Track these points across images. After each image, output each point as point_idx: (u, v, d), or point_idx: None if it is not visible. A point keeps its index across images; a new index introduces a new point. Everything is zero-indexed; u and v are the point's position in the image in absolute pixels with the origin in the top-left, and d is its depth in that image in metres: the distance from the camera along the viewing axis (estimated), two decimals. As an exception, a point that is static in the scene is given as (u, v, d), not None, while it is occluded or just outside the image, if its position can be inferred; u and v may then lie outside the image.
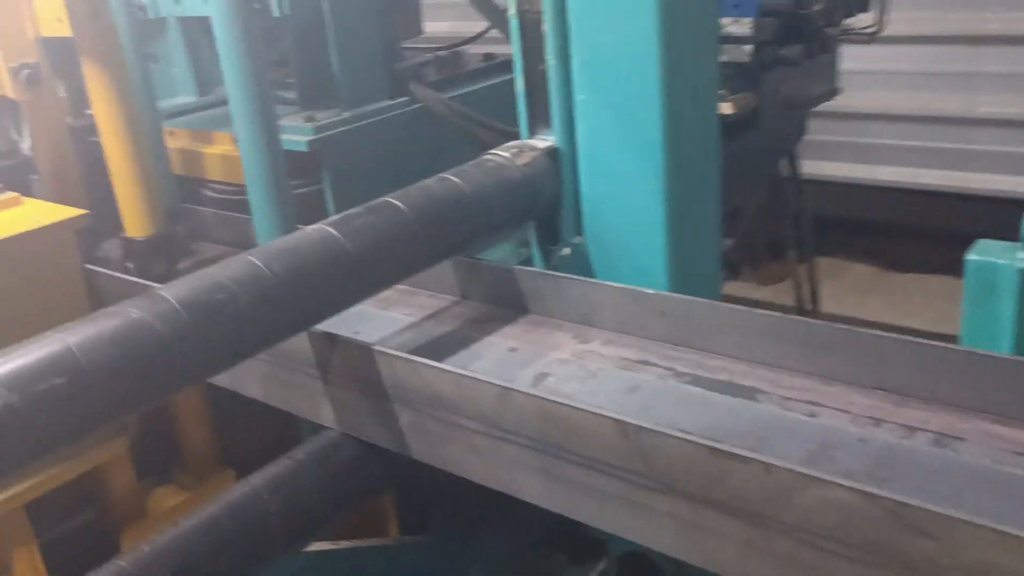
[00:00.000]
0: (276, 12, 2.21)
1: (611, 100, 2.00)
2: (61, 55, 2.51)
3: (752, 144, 3.13)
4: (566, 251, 2.22)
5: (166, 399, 1.45)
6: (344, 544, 2.23)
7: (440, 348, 1.96)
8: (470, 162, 2.06)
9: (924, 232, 5.26)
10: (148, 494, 2.49)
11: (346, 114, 2.59)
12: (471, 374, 1.59)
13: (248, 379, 2.02)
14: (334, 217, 1.78)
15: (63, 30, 2.05)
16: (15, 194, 2.17)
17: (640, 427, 1.37)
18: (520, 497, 1.61)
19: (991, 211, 4.43)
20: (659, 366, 1.82)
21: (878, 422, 1.56)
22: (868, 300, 5.09)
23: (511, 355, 1.92)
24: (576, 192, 2.16)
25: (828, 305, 4.62)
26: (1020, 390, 1.50)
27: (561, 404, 1.46)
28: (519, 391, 1.52)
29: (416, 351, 1.93)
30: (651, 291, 1.88)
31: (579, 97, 2.06)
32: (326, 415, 1.90)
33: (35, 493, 2.07)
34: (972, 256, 1.78)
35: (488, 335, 2.01)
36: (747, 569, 1.33)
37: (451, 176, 1.96)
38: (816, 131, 4.11)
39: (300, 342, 1.82)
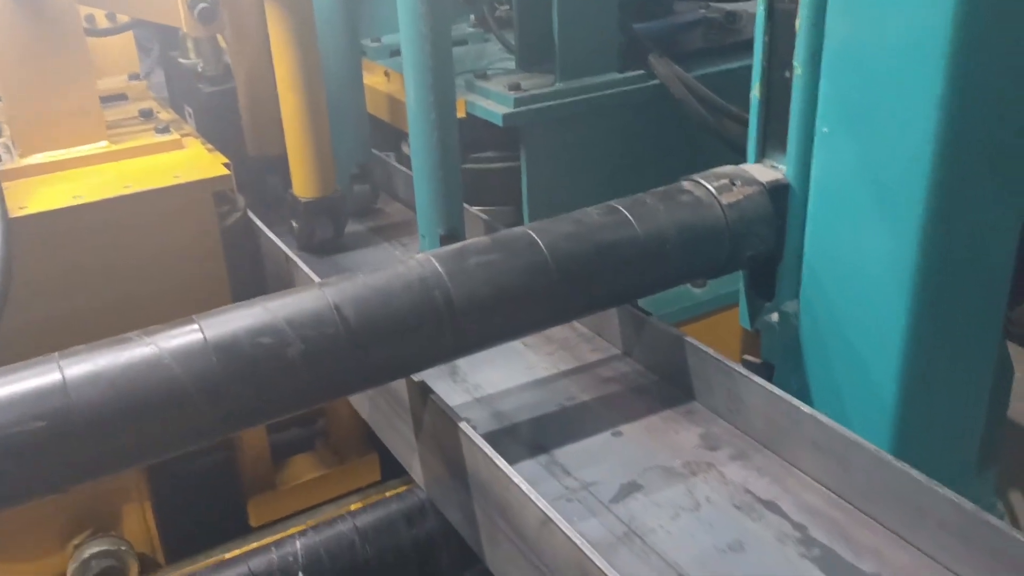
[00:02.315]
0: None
1: (863, 141, 1.43)
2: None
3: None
4: (773, 317, 1.71)
5: (173, 456, 1.20)
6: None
7: (554, 421, 1.58)
8: (658, 189, 1.58)
9: None
10: (282, 463, 2.35)
11: (559, 85, 2.16)
12: (519, 483, 1.20)
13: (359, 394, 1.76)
14: (450, 248, 1.41)
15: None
16: (177, 136, 2.01)
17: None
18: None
19: None
20: (788, 518, 1.32)
21: None
22: None
23: (612, 443, 1.51)
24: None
25: None
26: None
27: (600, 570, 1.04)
28: (561, 528, 1.12)
29: (524, 422, 1.58)
30: (807, 409, 1.36)
31: (822, 127, 1.51)
32: (417, 473, 1.59)
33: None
34: None
35: (617, 414, 1.59)
36: None
37: (622, 209, 1.51)
38: None
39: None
